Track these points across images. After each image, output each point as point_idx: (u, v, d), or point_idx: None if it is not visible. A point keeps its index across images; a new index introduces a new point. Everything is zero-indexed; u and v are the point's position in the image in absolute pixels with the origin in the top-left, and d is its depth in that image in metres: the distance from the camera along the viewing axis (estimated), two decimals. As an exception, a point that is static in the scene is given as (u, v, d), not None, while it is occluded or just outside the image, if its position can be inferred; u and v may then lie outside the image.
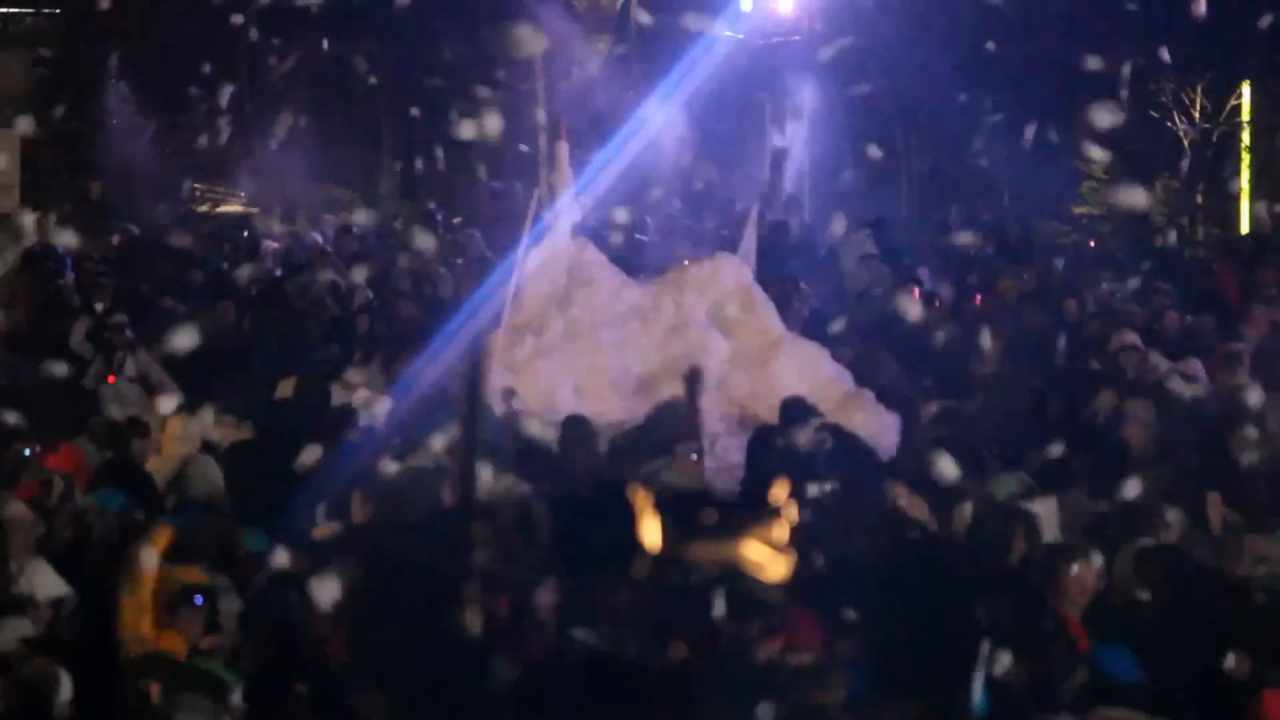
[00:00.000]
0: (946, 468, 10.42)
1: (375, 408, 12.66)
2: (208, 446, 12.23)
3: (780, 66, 23.53)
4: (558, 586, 8.96)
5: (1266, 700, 8.56)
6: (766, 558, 8.52)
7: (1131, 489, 10.59)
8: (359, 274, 17.02)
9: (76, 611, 9.29)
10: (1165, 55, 20.49)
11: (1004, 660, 8.44)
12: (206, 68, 22.70)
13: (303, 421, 12.37)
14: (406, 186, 25.73)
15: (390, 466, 11.38)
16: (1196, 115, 24.51)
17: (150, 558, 8.92)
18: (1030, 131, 20.51)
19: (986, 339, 14.21)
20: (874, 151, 22.07)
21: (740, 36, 22.26)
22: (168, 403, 12.82)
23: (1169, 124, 24.48)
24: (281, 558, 9.49)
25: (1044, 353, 14.97)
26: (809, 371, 14.36)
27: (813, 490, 10.27)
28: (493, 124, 15.39)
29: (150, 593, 8.84)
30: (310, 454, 11.32)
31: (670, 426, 12.37)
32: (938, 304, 16.73)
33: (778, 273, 16.34)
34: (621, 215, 17.10)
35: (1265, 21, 21.02)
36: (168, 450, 12.01)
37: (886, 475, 11.68)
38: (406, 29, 23.37)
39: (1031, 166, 21.71)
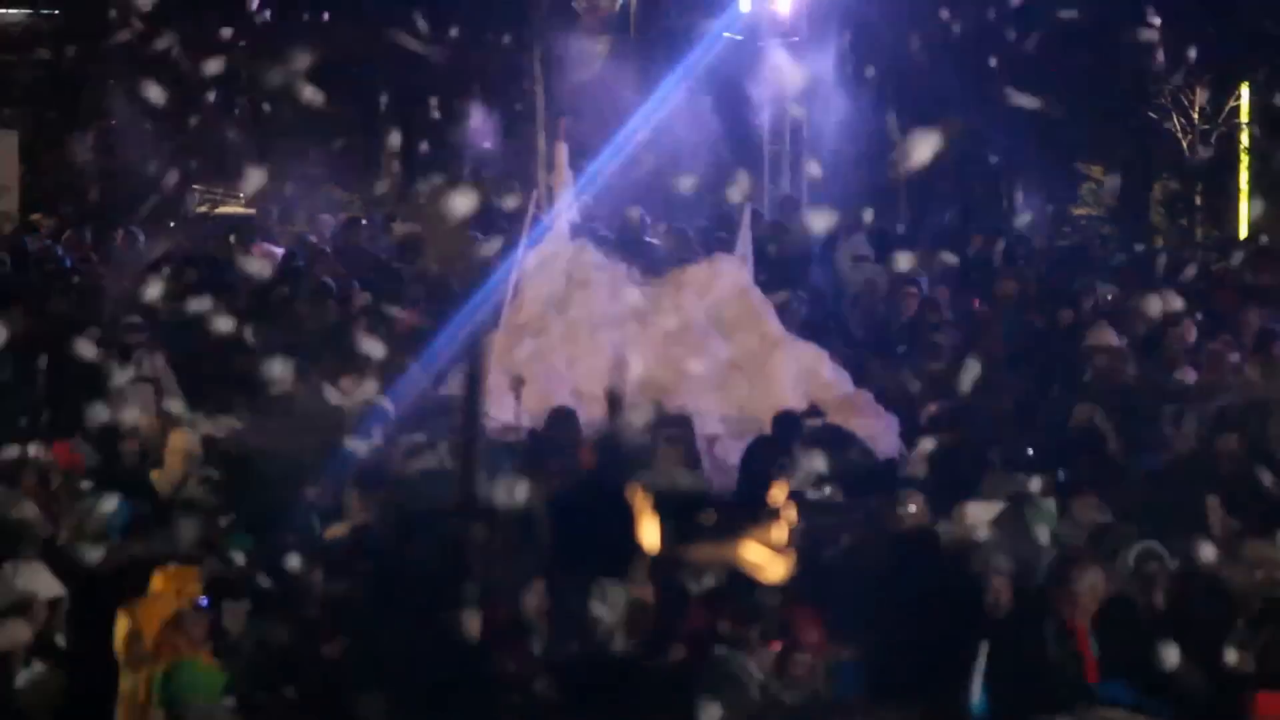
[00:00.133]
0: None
1: (374, 409, 12.65)
2: (208, 450, 12.20)
3: (779, 67, 23.51)
4: (558, 587, 8.96)
5: (1260, 701, 8.56)
6: (766, 559, 8.52)
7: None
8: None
9: (73, 612, 9.27)
10: (1164, 56, 20.55)
11: (1004, 664, 8.45)
12: (205, 68, 22.71)
13: (301, 423, 12.35)
14: (405, 187, 25.69)
15: (390, 468, 11.40)
16: (1196, 116, 24.52)
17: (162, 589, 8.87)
18: (1029, 133, 20.58)
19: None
20: (873, 152, 22.13)
21: (739, 37, 22.26)
22: (175, 404, 12.83)
23: (1168, 125, 24.49)
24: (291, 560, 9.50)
25: (1039, 355, 14.99)
26: (807, 373, 14.36)
27: (812, 493, 10.28)
28: (493, 125, 15.38)
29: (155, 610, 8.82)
30: (309, 454, 11.31)
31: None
32: (935, 306, 16.74)
33: (774, 274, 16.32)
34: (629, 216, 17.12)
35: (1265, 23, 21.07)
36: (170, 462, 11.98)
37: (885, 477, 11.71)
38: (406, 30, 23.36)
39: (1031, 168, 21.72)
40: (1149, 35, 21.79)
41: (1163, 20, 21.79)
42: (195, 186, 24.42)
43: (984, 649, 8.63)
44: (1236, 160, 24.64)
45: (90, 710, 8.49)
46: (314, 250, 18.39)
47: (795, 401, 13.82)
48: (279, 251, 18.51)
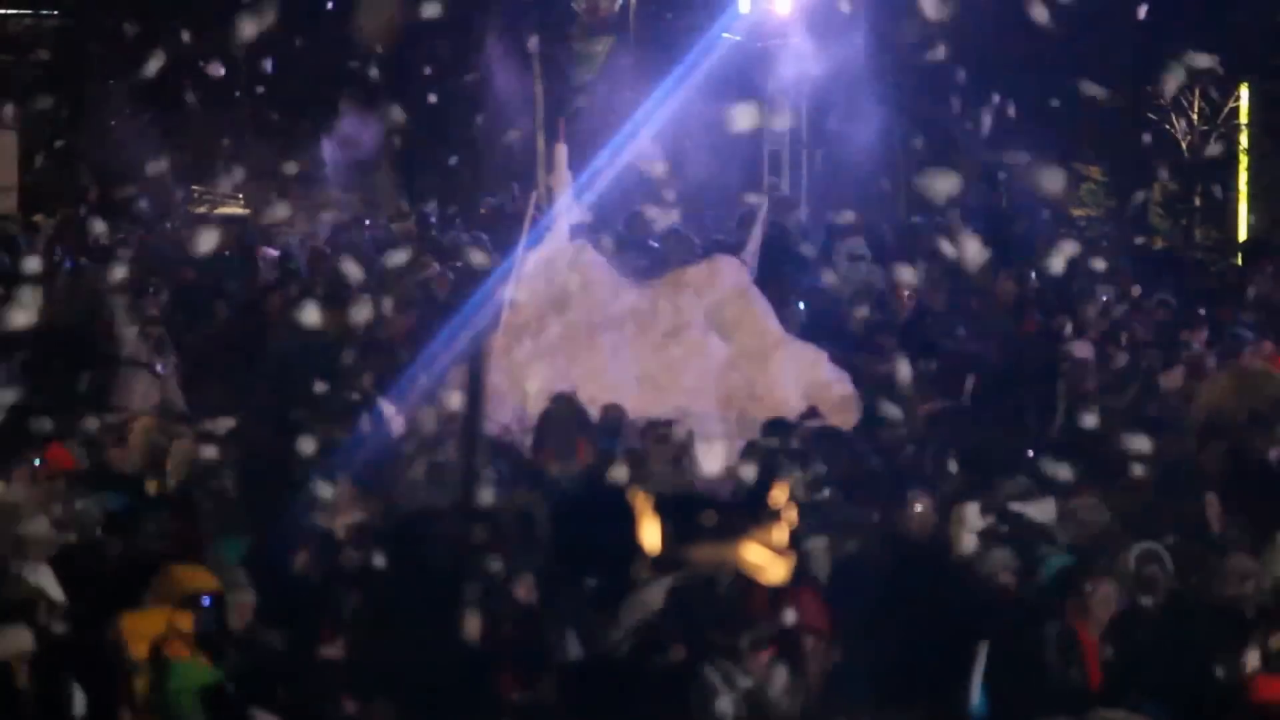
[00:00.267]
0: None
1: (375, 411, 12.67)
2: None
3: (778, 68, 23.52)
4: (557, 588, 8.97)
5: (1260, 684, 8.57)
6: (766, 560, 8.52)
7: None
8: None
9: (70, 613, 9.26)
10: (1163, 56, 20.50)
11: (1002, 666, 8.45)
12: (204, 69, 22.72)
13: (300, 424, 12.36)
14: (404, 188, 25.71)
15: (390, 468, 11.40)
16: (1195, 117, 24.52)
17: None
18: (1029, 133, 20.51)
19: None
20: (870, 152, 22.13)
21: (738, 38, 22.27)
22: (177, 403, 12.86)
23: (1167, 126, 24.50)
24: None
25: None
26: (807, 373, 14.37)
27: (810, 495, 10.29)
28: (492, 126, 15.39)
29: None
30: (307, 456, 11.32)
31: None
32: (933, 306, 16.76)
33: (774, 274, 16.34)
34: (638, 215, 17.13)
35: (1264, 23, 21.08)
36: (173, 471, 11.99)
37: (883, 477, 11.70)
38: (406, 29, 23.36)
39: (1029, 169, 21.68)
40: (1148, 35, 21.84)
41: (1161, 20, 21.80)
42: (194, 187, 24.43)
43: (983, 650, 8.63)
44: (1236, 161, 24.64)
45: (91, 712, 8.47)
46: (316, 252, 18.42)
47: (794, 402, 13.84)
48: (275, 253, 18.54)
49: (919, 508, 10.13)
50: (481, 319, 13.98)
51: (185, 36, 20.61)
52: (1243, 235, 24.16)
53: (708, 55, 19.71)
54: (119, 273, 16.72)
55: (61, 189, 22.46)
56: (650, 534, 8.34)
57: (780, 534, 8.69)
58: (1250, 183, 24.49)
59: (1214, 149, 24.42)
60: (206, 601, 8.68)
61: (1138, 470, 11.17)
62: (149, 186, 21.02)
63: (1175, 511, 10.69)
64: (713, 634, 8.38)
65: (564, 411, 12.54)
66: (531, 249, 14.88)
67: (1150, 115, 24.35)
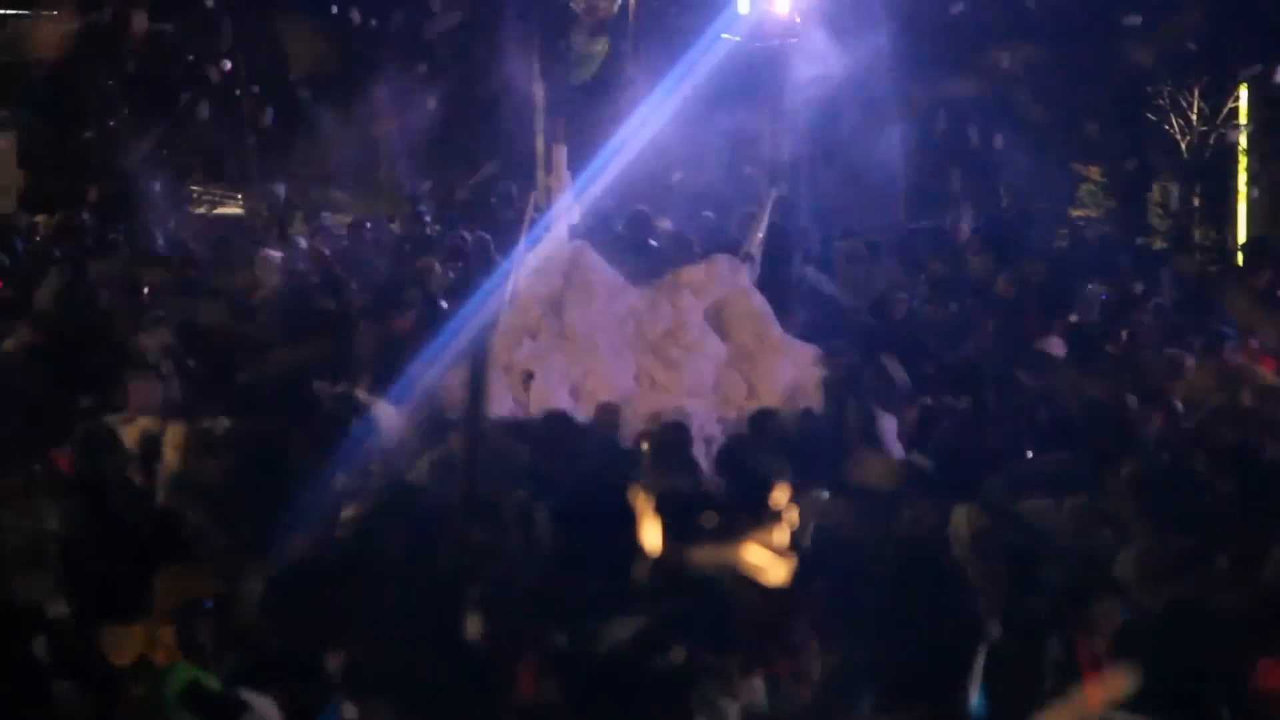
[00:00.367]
0: None
1: (373, 411, 12.67)
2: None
3: (777, 68, 23.52)
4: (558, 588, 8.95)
5: (1262, 670, 8.57)
6: (767, 561, 8.51)
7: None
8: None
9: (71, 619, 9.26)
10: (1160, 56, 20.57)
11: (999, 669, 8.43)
12: (203, 68, 22.76)
13: (298, 424, 12.37)
14: (403, 189, 25.70)
15: (389, 469, 11.41)
16: (1194, 118, 24.53)
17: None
18: (1027, 133, 20.56)
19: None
20: (870, 153, 22.12)
21: (737, 39, 22.26)
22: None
23: (1166, 127, 24.50)
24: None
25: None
26: (806, 374, 14.37)
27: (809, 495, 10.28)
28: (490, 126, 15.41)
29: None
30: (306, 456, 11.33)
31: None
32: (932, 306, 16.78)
33: (773, 275, 16.35)
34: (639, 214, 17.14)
35: (1263, 24, 21.07)
36: (169, 458, 12.00)
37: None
38: (405, 29, 23.37)
39: (1028, 169, 21.72)
40: (1147, 35, 21.85)
41: (1160, 20, 21.82)
42: (194, 187, 24.45)
43: (982, 651, 8.62)
44: (1235, 161, 24.64)
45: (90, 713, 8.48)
46: (317, 255, 18.43)
47: (793, 403, 13.85)
48: (277, 255, 18.54)
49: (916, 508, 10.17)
50: (481, 319, 13.98)
51: (184, 35, 20.68)
52: (1242, 236, 24.16)
53: (707, 56, 19.72)
54: (123, 272, 16.79)
55: (62, 189, 22.45)
56: (650, 534, 8.33)
57: (781, 535, 8.68)
58: (1249, 183, 24.49)
59: (1213, 149, 24.44)
60: (209, 604, 8.69)
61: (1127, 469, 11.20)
62: (148, 186, 21.05)
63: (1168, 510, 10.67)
64: (700, 655, 8.34)
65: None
66: (530, 249, 14.90)
67: (1150, 115, 24.36)
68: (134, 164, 21.54)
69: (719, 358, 14.53)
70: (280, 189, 22.44)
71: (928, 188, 23.72)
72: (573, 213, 15.44)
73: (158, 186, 20.96)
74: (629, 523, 8.23)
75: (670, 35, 23.09)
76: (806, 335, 15.05)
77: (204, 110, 22.89)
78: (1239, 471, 11.08)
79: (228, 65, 23.46)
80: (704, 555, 8.49)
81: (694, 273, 15.12)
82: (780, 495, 8.85)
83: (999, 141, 21.98)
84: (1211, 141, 24.52)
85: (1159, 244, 23.24)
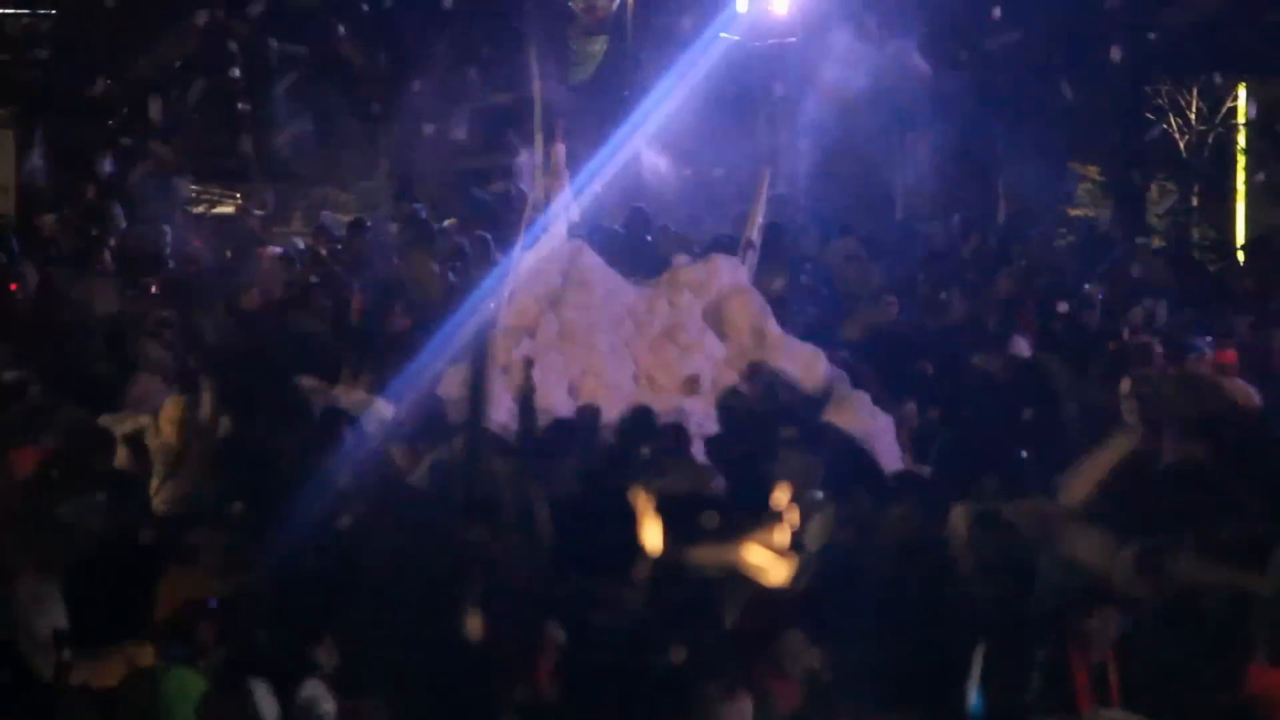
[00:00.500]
0: None
1: (371, 411, 12.67)
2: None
3: (775, 68, 23.54)
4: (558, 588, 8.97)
5: (1253, 674, 8.58)
6: (768, 561, 8.52)
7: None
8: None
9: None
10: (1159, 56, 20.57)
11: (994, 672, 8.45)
12: (202, 67, 22.73)
13: (297, 424, 12.37)
14: (401, 188, 25.70)
15: (388, 469, 11.40)
16: (1192, 117, 24.53)
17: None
18: (1026, 133, 20.56)
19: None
20: (867, 153, 22.16)
21: (736, 38, 22.27)
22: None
23: (1165, 126, 24.50)
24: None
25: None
26: (804, 373, 14.36)
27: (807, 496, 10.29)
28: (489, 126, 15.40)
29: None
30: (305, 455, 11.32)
31: None
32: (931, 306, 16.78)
33: (771, 274, 16.35)
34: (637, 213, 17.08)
35: (1262, 23, 21.07)
36: (165, 431, 11.98)
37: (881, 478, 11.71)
38: (403, 29, 23.38)
39: (1027, 169, 21.72)
40: (1145, 34, 21.87)
41: (1158, 19, 21.84)
42: (193, 186, 24.41)
43: (980, 652, 8.64)
44: (1233, 161, 24.64)
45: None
46: (314, 255, 18.43)
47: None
48: (279, 251, 18.56)
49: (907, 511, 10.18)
50: (479, 318, 13.98)
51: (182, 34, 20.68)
52: (1240, 235, 24.17)
53: (705, 55, 19.73)
54: (124, 272, 16.79)
55: (61, 189, 22.44)
56: (650, 534, 8.35)
57: (781, 535, 8.69)
58: (1248, 182, 24.48)
59: (1212, 149, 24.44)
60: (213, 604, 8.69)
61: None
62: (148, 185, 21.05)
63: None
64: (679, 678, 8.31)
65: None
66: (529, 248, 14.90)
67: (1148, 115, 24.36)
68: (133, 163, 21.57)
69: (717, 356, 14.52)
70: (269, 196, 22.50)
71: (925, 187, 23.71)
72: (571, 211, 15.43)
73: (157, 184, 20.97)
74: (629, 522, 8.25)
75: (668, 34, 23.10)
76: (806, 335, 15.06)
77: (203, 109, 22.89)
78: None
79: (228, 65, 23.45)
80: (704, 555, 8.51)
81: (693, 272, 15.12)
82: (780, 495, 8.86)
83: (997, 141, 21.96)
84: (1210, 140, 24.51)
85: (1157, 243, 23.24)
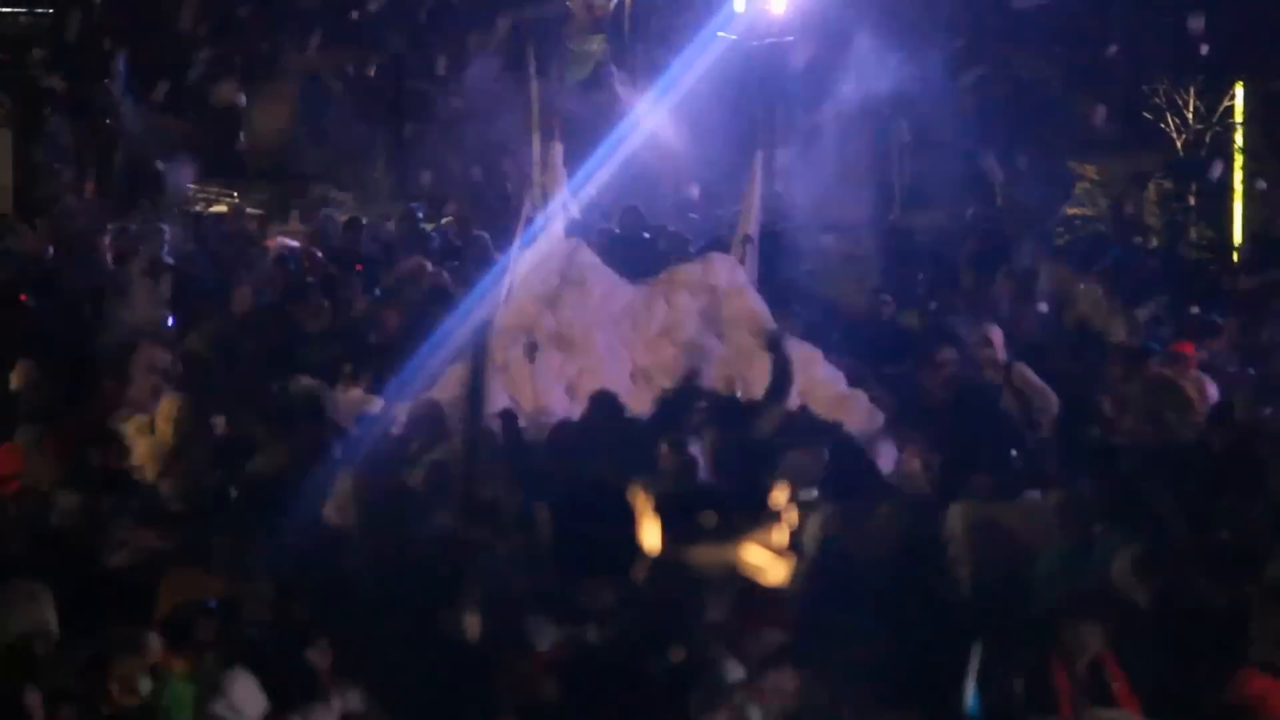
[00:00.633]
0: None
1: (371, 411, 12.69)
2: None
3: (774, 67, 23.56)
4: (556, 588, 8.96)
5: (1246, 678, 8.58)
6: (767, 561, 8.52)
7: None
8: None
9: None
10: (1158, 56, 20.57)
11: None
12: (202, 66, 22.75)
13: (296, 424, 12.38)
14: (400, 187, 25.73)
15: (387, 469, 11.41)
16: (1190, 116, 24.54)
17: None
18: (1025, 133, 20.58)
19: None
20: (866, 152, 22.18)
21: (733, 37, 22.29)
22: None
23: (1162, 125, 24.52)
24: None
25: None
26: (802, 373, 14.36)
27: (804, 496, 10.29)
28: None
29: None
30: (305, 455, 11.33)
31: None
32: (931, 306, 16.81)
33: (769, 274, 16.36)
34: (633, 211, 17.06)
35: (1259, 22, 21.08)
36: (161, 429, 12.01)
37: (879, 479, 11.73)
38: (402, 28, 23.41)
39: (1026, 168, 21.75)
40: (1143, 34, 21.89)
41: (1157, 19, 21.85)
42: (191, 185, 24.45)
43: (977, 652, 8.64)
44: (1231, 160, 24.65)
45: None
46: (306, 253, 18.44)
47: (790, 402, 13.84)
48: (294, 244, 18.60)
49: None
50: (477, 318, 13.99)
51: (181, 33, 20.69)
52: (1238, 235, 24.18)
53: (703, 54, 19.75)
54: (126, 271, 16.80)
55: (59, 188, 22.48)
56: (651, 534, 8.33)
57: (781, 535, 8.69)
58: (1245, 182, 24.49)
59: (1209, 148, 24.45)
60: (213, 604, 8.70)
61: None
62: (146, 184, 21.07)
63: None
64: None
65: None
66: (526, 247, 14.90)
67: (1146, 114, 24.37)
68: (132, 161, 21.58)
69: (715, 356, 14.52)
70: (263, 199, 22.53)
71: (922, 186, 23.74)
72: (569, 210, 15.44)
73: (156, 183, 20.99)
74: (629, 522, 8.24)
75: (666, 33, 23.12)
76: (804, 334, 15.06)
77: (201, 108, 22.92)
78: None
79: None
80: (704, 555, 8.51)
81: (690, 271, 15.12)
82: (780, 495, 8.85)
83: (996, 140, 21.99)
84: (1208, 140, 24.53)
85: (1155, 242, 23.25)
